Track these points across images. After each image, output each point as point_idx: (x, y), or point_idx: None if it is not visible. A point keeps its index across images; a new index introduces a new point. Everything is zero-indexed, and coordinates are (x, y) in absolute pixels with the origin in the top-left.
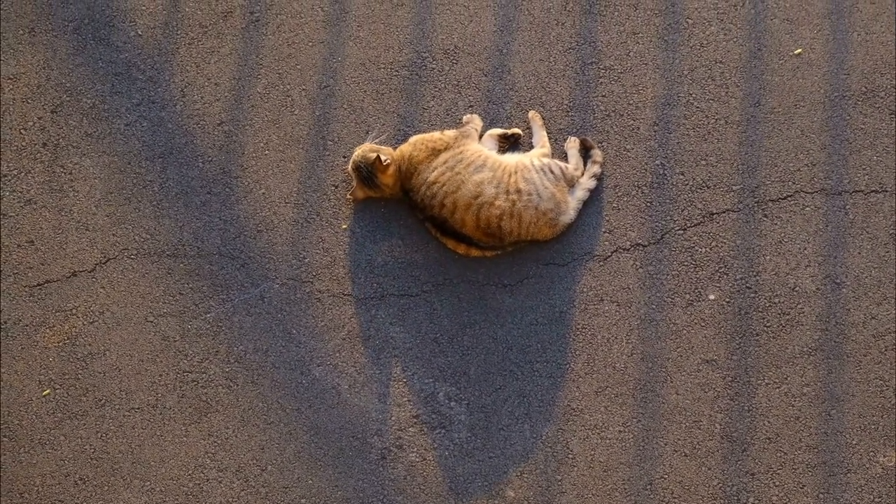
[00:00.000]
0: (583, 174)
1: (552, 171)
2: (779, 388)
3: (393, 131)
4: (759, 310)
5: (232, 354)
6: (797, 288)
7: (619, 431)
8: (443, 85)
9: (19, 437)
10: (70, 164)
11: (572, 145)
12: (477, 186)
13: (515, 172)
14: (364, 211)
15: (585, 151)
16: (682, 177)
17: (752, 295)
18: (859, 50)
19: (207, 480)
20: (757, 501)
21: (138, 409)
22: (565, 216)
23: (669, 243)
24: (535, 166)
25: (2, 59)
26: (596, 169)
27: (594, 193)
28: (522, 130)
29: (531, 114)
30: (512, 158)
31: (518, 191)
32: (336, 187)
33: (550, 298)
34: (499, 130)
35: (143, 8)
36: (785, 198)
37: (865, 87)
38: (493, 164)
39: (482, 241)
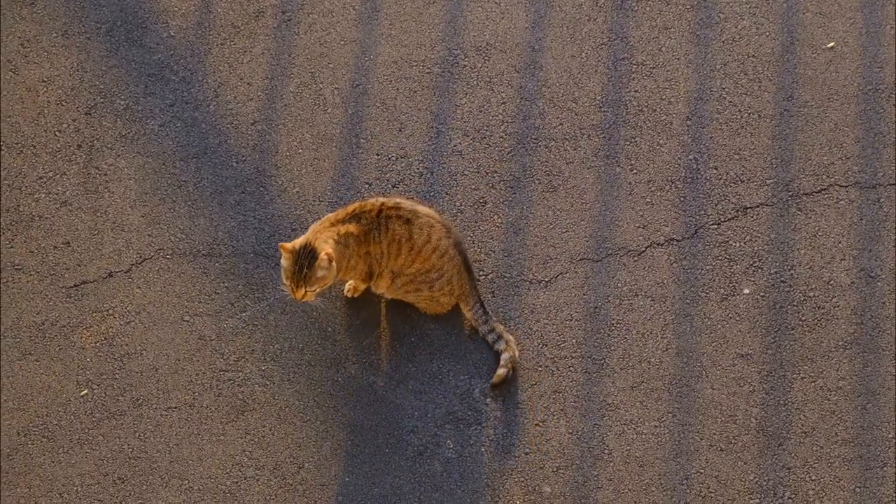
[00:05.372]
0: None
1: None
2: (814, 382)
3: (426, 129)
4: (794, 304)
5: (268, 353)
6: (832, 282)
7: (655, 426)
8: (475, 82)
9: (58, 437)
10: (105, 166)
11: None
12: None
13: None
14: None
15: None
16: (715, 171)
17: (787, 289)
18: (892, 43)
19: (245, 479)
20: (793, 496)
21: (175, 408)
22: None
23: (703, 238)
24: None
25: (36, 61)
26: None
27: (629, 188)
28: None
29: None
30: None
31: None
32: (370, 185)
33: (585, 294)
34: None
35: (176, 9)
36: (819, 191)
37: None
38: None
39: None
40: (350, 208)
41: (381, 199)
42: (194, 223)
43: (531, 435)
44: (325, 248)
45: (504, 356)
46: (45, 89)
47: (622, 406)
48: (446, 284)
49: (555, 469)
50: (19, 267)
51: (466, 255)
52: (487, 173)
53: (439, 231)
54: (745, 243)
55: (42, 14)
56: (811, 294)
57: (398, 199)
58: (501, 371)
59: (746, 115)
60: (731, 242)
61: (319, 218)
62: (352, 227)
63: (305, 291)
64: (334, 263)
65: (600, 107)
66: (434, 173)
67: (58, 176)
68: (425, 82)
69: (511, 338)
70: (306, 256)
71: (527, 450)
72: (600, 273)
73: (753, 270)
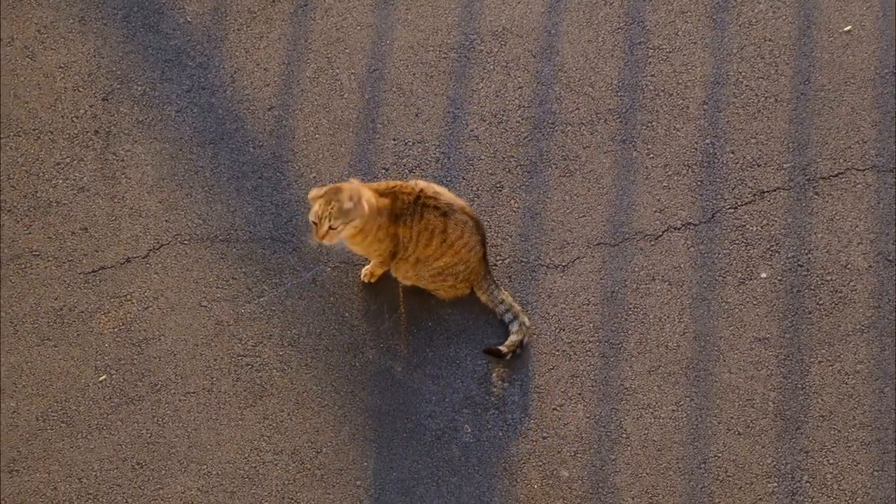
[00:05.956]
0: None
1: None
2: (832, 365)
3: (442, 114)
4: (811, 287)
5: (285, 338)
6: (849, 265)
7: (673, 410)
8: (492, 67)
9: (77, 422)
10: (122, 152)
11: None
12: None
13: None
14: None
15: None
16: (732, 155)
17: (804, 273)
18: None
19: (263, 463)
20: (811, 479)
21: (193, 393)
22: None
23: (720, 222)
24: None
25: (53, 48)
26: None
27: (646, 172)
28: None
29: None
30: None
31: None
32: (386, 170)
33: (602, 278)
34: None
35: None
36: (836, 175)
37: None
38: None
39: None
40: (391, 183)
41: (421, 185)
42: (211, 209)
43: (549, 419)
44: (354, 184)
45: (511, 338)
46: (62, 75)
47: (640, 390)
48: (469, 275)
49: (572, 453)
50: (37, 253)
51: (486, 245)
52: (504, 158)
53: (471, 228)
54: (762, 227)
55: (59, 0)
56: (828, 278)
57: (437, 188)
58: (502, 348)
59: (763, 99)
60: (748, 226)
61: None
62: (388, 202)
63: (329, 229)
64: (364, 203)
65: (617, 91)
66: (451, 158)
67: (75, 162)
68: (442, 67)
69: (526, 320)
70: (335, 192)
71: (544, 434)
72: (617, 257)
73: (770, 254)
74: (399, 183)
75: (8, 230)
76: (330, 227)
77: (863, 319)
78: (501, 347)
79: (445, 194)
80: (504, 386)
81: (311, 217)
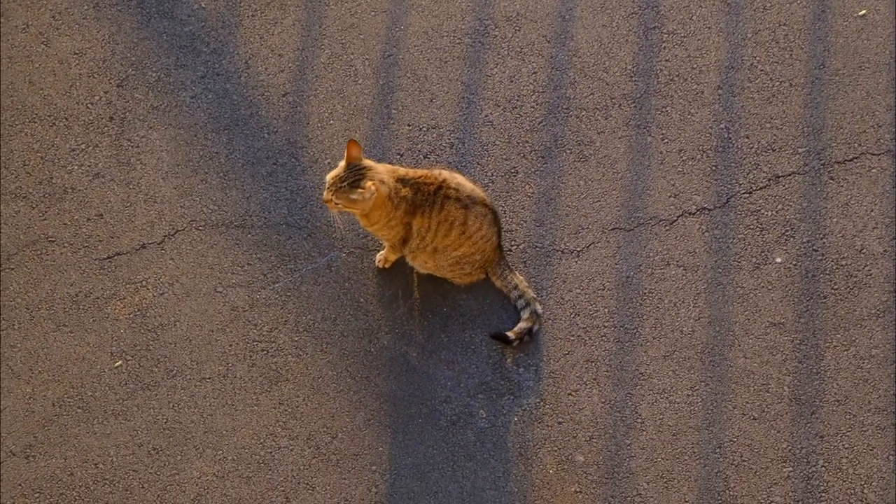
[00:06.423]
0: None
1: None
2: (847, 350)
3: (457, 99)
4: (826, 272)
5: (301, 324)
6: (864, 250)
7: (688, 395)
8: (506, 52)
9: (93, 408)
10: (137, 138)
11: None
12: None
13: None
14: None
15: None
16: (747, 140)
17: (819, 257)
18: None
19: (279, 448)
20: (826, 464)
21: (209, 378)
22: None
23: (735, 207)
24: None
25: (67, 34)
26: None
27: (661, 157)
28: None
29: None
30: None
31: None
32: (401, 156)
33: (617, 263)
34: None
35: None
36: (851, 160)
37: None
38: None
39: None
40: (419, 173)
41: (444, 176)
42: (226, 194)
43: (564, 404)
44: (376, 181)
45: (520, 325)
46: (77, 61)
47: (655, 375)
48: (485, 263)
49: (588, 438)
50: (53, 239)
51: (501, 233)
52: (519, 143)
53: (490, 221)
54: (776, 212)
55: None
56: (843, 262)
57: (459, 180)
58: (509, 334)
59: (778, 83)
60: (762, 211)
61: None
62: (409, 193)
63: (332, 200)
64: (373, 199)
65: (631, 76)
66: (465, 143)
67: (90, 148)
68: (456, 52)
69: (539, 307)
70: (355, 174)
71: (559, 419)
72: (632, 242)
73: (785, 239)
74: (425, 173)
75: (23, 216)
76: (333, 199)
77: (878, 304)
78: (509, 333)
79: (466, 186)
80: (519, 371)
81: (327, 176)
